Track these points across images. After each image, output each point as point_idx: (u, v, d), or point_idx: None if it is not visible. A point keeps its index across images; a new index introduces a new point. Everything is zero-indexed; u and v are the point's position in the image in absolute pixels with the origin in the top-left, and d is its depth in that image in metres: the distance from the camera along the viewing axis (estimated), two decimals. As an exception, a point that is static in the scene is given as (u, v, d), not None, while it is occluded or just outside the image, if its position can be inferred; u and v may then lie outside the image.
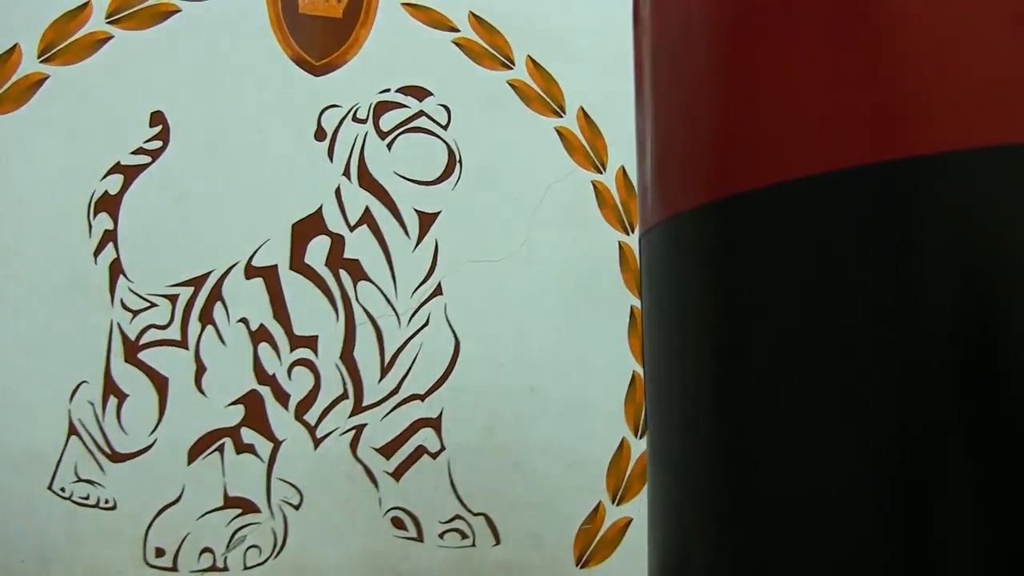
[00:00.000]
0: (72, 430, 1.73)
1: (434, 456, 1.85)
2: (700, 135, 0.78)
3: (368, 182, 1.88)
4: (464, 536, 1.84)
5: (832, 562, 0.67)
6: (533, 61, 1.97)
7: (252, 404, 1.80)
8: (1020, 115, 0.63)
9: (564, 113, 1.97)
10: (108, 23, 1.82)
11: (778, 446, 0.71)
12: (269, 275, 1.83)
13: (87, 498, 1.73)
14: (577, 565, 1.84)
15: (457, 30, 1.96)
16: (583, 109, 1.97)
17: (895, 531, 0.64)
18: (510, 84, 1.96)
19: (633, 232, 1.94)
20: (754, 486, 0.72)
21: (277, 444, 1.80)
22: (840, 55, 0.68)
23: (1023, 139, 0.63)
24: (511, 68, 1.96)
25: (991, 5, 0.65)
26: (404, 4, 1.93)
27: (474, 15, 1.96)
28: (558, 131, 1.96)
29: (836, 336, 0.67)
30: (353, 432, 1.83)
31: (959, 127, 0.64)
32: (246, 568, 1.76)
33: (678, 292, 0.81)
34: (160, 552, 1.74)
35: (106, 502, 1.73)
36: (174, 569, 1.74)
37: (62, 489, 1.72)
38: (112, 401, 1.75)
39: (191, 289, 1.79)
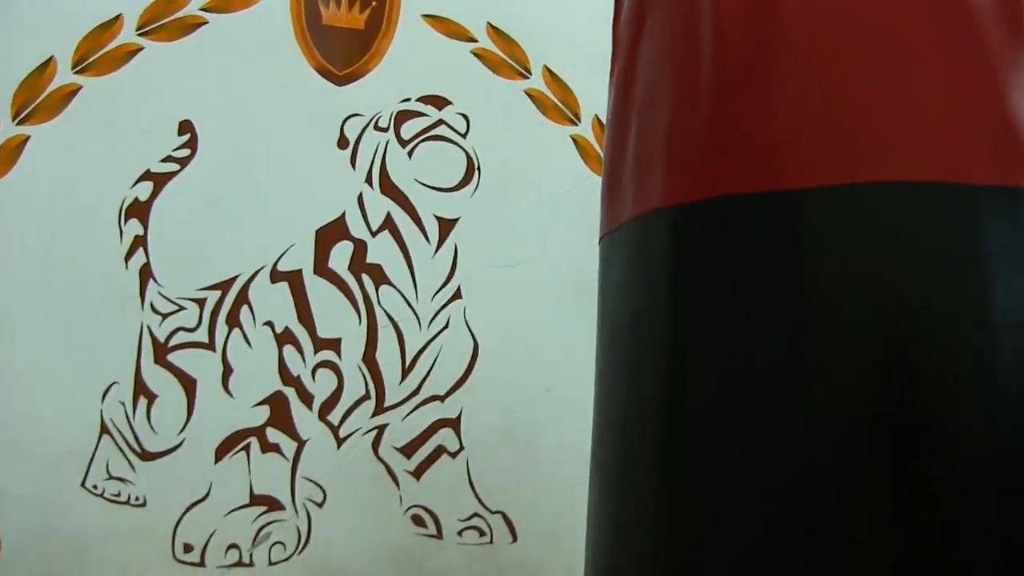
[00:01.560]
0: (104, 429, 1.79)
1: (453, 455, 1.90)
2: (655, 154, 0.88)
3: (390, 189, 1.93)
4: (482, 534, 1.89)
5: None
6: (549, 71, 2.02)
7: (277, 405, 1.85)
8: (900, 157, 0.73)
9: (579, 121, 2.02)
10: (139, 35, 1.88)
11: (708, 453, 0.78)
12: (294, 279, 1.88)
13: (118, 495, 1.78)
14: (592, 562, 1.89)
15: (475, 40, 2.01)
16: (598, 117, 2.02)
17: (832, 545, 0.71)
18: (527, 93, 2.01)
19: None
20: (692, 502, 0.79)
21: (301, 443, 1.85)
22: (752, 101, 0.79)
23: (903, 178, 0.73)
24: (528, 77, 2.01)
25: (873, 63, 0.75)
26: (424, 16, 1.99)
27: (492, 26, 2.01)
28: (573, 139, 2.01)
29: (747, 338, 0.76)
30: (375, 432, 1.88)
31: (852, 163, 0.74)
32: (271, 564, 1.82)
33: (625, 289, 0.90)
34: (188, 548, 1.79)
35: (136, 499, 1.79)
36: (202, 564, 1.79)
37: (95, 486, 1.78)
38: (142, 401, 1.81)
39: (219, 293, 1.85)
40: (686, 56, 0.86)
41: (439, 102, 1.98)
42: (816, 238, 0.74)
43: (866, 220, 0.72)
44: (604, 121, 2.04)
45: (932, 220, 0.72)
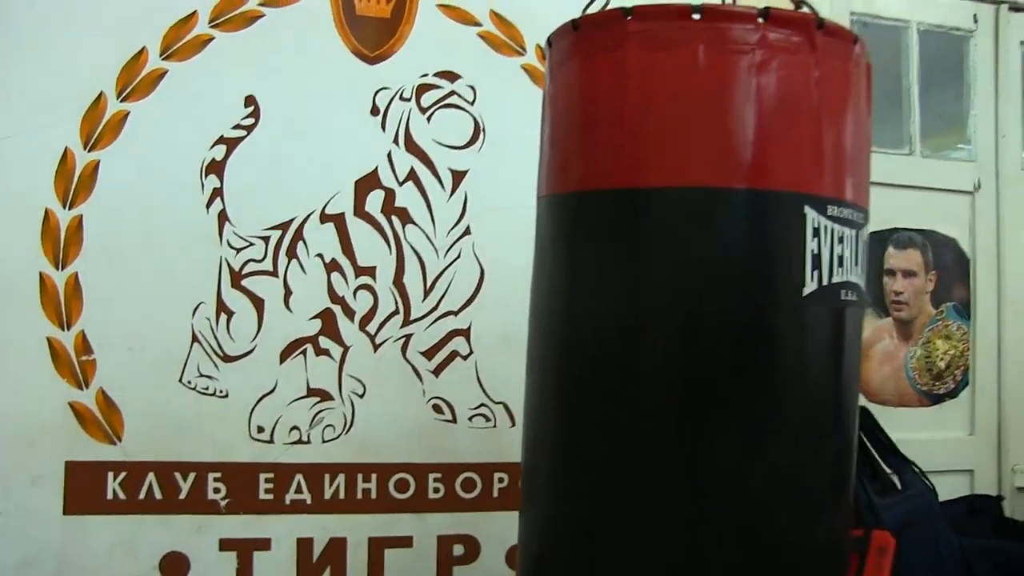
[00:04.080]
0: (195, 338, 2.17)
1: (465, 358, 2.31)
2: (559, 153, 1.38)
3: (412, 148, 2.30)
4: (488, 419, 2.32)
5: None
6: (541, 49, 2.40)
7: (327, 319, 2.24)
8: (692, 169, 1.20)
9: (566, 90, 2.40)
10: (211, 27, 2.23)
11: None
12: (338, 221, 2.25)
13: (207, 389, 2.18)
14: (576, 442, 2.31)
15: (480, 25, 2.38)
16: (582, 86, 2.40)
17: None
18: (523, 68, 2.40)
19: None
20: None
21: (346, 349, 2.25)
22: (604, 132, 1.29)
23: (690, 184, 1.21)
24: (523, 55, 2.40)
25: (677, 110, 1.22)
26: (438, 5, 2.35)
27: (494, 12, 2.38)
28: (562, 104, 2.40)
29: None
30: (403, 339, 2.28)
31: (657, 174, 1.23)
32: (324, 442, 2.24)
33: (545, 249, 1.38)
34: (260, 429, 2.20)
35: (221, 392, 2.19)
36: (271, 442, 2.21)
37: (189, 382, 2.17)
38: (223, 317, 2.19)
39: (280, 232, 2.22)
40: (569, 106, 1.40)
41: (451, 76, 2.33)
42: (633, 223, 1.25)
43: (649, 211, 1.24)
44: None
45: (688, 211, 1.23)
